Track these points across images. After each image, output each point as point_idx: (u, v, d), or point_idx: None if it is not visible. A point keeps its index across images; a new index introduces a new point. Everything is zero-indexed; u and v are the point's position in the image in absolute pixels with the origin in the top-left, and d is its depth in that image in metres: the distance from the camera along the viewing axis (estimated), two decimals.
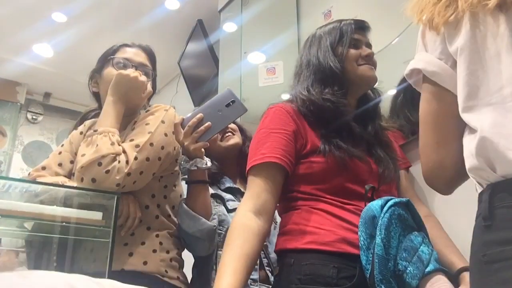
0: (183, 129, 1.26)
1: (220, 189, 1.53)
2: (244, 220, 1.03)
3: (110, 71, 1.35)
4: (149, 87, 1.36)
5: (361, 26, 1.28)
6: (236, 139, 1.59)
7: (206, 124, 1.25)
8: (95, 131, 1.23)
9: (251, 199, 1.07)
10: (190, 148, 1.25)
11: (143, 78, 1.32)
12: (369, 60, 1.24)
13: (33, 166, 1.42)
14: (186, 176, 1.34)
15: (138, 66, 1.38)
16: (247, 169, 1.13)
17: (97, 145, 1.18)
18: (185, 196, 1.35)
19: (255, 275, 1.36)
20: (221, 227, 1.40)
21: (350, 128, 1.17)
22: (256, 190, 1.08)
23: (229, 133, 1.59)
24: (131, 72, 1.30)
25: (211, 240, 1.32)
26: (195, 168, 1.27)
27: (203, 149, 1.27)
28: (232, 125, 1.61)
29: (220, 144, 1.57)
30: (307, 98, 1.18)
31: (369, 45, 1.27)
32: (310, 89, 1.20)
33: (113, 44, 1.43)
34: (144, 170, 1.21)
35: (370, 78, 1.24)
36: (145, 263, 1.22)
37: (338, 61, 1.21)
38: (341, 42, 1.24)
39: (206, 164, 1.28)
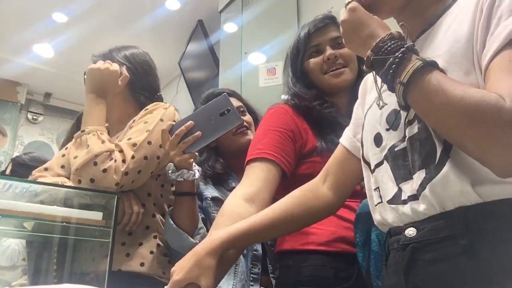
0: (171, 137, 1.16)
1: (226, 189, 1.45)
2: (233, 207, 0.98)
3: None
4: (124, 71, 1.34)
5: (319, 26, 1.25)
6: (250, 136, 1.47)
7: (195, 134, 1.15)
8: (82, 131, 1.22)
9: (244, 187, 1.04)
10: (175, 159, 1.16)
11: (115, 66, 1.31)
12: (332, 63, 1.21)
13: None
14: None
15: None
16: (245, 165, 1.11)
17: (88, 145, 1.16)
18: None
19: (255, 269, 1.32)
20: None
21: (342, 125, 1.16)
22: (250, 179, 1.06)
23: (244, 128, 1.47)
24: (100, 64, 1.29)
25: None
26: (181, 179, 1.19)
27: (191, 160, 1.18)
28: (248, 118, 1.51)
29: (232, 140, 1.45)
30: (294, 104, 1.21)
31: (335, 40, 1.23)
32: (293, 99, 1.22)
33: (114, 45, 1.43)
34: (142, 168, 1.19)
35: (336, 86, 1.21)
36: (142, 264, 1.21)
37: (302, 82, 1.22)
38: (299, 58, 1.24)
39: (194, 176, 1.19)
